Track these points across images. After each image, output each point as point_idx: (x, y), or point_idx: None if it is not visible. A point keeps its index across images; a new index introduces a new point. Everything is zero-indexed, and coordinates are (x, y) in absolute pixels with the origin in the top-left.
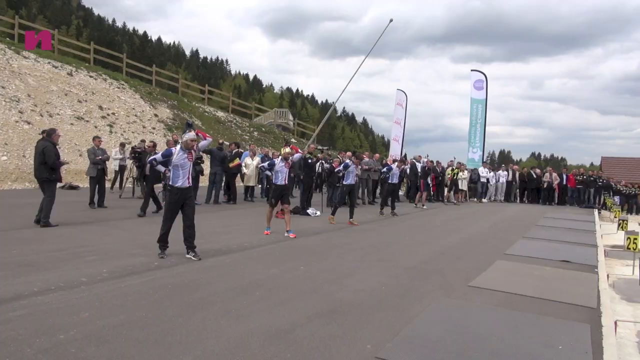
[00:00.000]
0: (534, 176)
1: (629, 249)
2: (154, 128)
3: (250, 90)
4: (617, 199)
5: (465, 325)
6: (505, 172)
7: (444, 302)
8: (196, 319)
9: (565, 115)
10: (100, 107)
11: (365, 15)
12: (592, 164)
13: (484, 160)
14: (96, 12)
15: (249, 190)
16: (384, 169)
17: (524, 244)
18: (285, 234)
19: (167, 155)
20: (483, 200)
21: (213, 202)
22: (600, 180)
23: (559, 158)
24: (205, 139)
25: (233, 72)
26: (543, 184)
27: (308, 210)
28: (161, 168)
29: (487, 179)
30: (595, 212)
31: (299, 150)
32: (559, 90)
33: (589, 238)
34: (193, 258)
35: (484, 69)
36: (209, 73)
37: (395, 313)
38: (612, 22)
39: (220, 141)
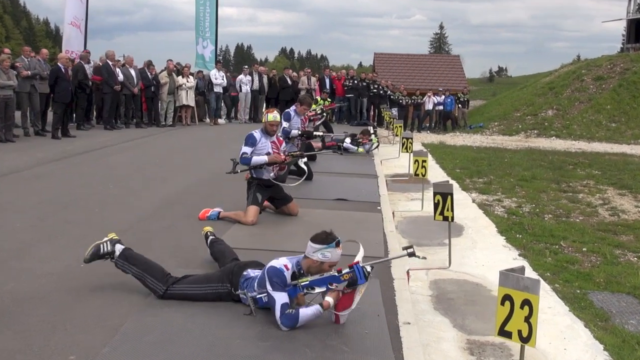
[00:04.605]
0: (289, 82)
1: (417, 175)
2: None
3: None
4: (394, 111)
5: None
6: (249, 77)
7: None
8: None
9: None
10: None
11: None
12: (361, 65)
13: (217, 59)
14: None
15: None
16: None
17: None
18: None
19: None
20: (220, 121)
21: None
22: (375, 86)
23: (318, 57)
24: None
25: None
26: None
27: None
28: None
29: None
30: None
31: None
32: None
33: (368, 167)
34: None
35: None
36: None
37: (109, 300)
38: None
39: None
